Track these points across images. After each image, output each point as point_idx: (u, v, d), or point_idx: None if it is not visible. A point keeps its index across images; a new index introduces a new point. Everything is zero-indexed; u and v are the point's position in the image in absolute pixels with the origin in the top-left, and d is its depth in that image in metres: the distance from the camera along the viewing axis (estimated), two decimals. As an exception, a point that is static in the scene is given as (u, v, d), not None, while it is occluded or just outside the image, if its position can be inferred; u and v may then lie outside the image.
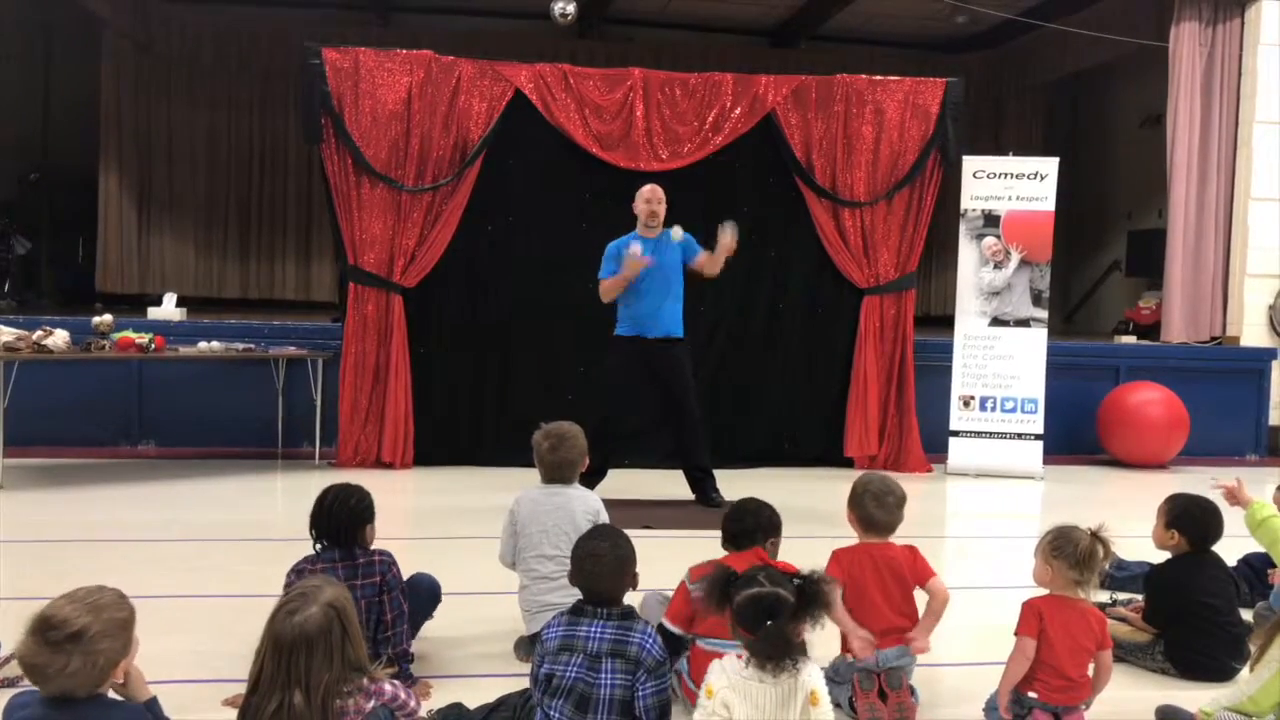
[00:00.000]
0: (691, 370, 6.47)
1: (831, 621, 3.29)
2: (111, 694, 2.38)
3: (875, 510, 3.47)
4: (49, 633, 2.20)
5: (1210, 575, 3.89)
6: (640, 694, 2.72)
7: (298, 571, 3.30)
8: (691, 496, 6.43)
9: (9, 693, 3.28)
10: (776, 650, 2.48)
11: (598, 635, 2.78)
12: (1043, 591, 3.23)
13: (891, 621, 3.37)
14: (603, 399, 6.31)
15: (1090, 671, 3.18)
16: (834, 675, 3.40)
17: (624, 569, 2.90)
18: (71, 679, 2.21)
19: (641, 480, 6.99)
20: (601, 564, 2.87)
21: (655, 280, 6.18)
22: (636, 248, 6.11)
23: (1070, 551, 3.13)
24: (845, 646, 3.40)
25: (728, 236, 6.17)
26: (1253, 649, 3.20)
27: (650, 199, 6.30)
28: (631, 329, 6.27)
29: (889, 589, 3.40)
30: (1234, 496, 3.90)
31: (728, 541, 3.50)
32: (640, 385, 6.35)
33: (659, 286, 6.20)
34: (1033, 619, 3.13)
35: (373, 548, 3.43)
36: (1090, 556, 3.12)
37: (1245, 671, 3.31)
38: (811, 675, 2.53)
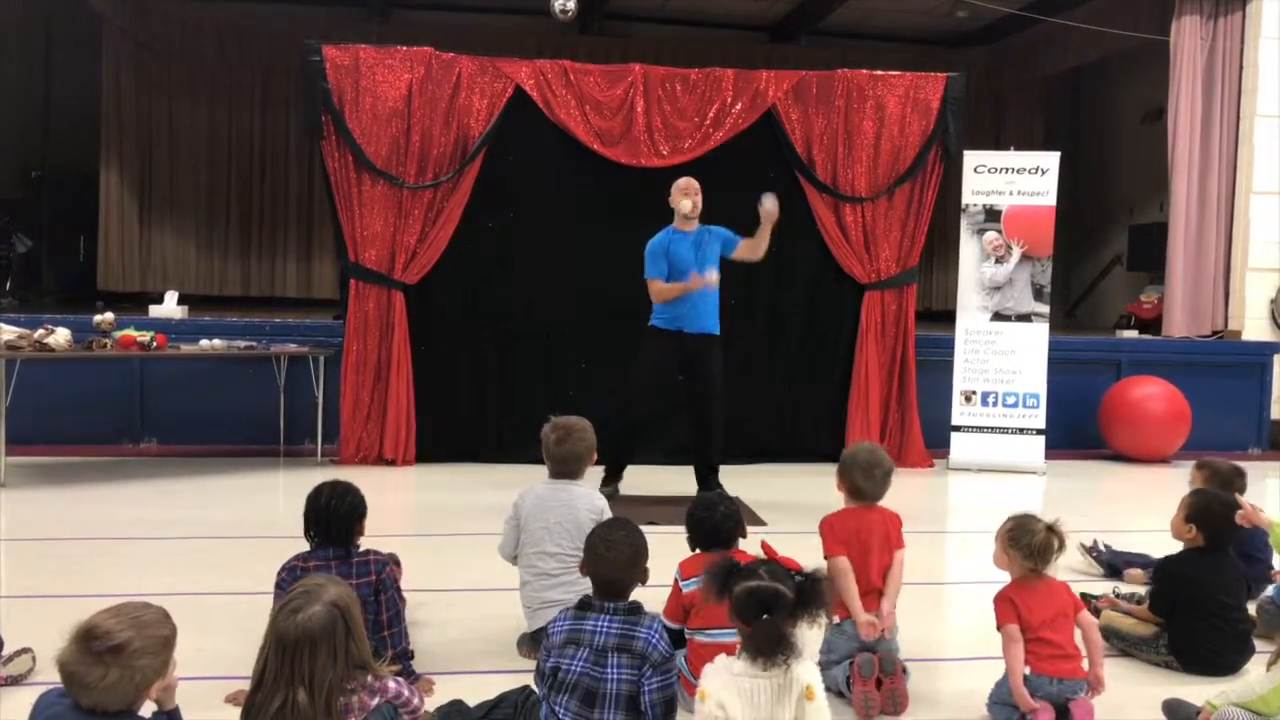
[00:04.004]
0: (723, 368, 6.43)
1: (840, 595, 3.34)
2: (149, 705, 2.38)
3: (863, 482, 3.62)
4: (92, 643, 2.19)
5: (1221, 571, 3.90)
6: (645, 689, 2.71)
7: (290, 569, 3.30)
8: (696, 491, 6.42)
9: (9, 690, 3.29)
10: (769, 645, 2.49)
11: (604, 630, 2.77)
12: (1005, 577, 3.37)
13: (875, 583, 3.50)
14: (628, 386, 6.28)
15: (1081, 645, 3.27)
16: (828, 651, 3.43)
17: (637, 560, 2.90)
18: (107, 693, 2.20)
19: (645, 476, 6.98)
20: (615, 550, 2.87)
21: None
22: (714, 275, 6.09)
23: (1026, 542, 3.27)
24: (835, 610, 3.45)
25: (769, 204, 6.15)
26: (1258, 644, 3.21)
27: (688, 189, 6.26)
28: (670, 323, 6.25)
29: (880, 550, 3.54)
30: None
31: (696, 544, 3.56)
32: (669, 378, 6.34)
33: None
34: (1007, 608, 3.26)
35: (366, 547, 3.43)
36: (1045, 549, 3.25)
37: (1259, 669, 3.31)
38: (806, 671, 2.55)
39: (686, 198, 6.25)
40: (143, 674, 2.23)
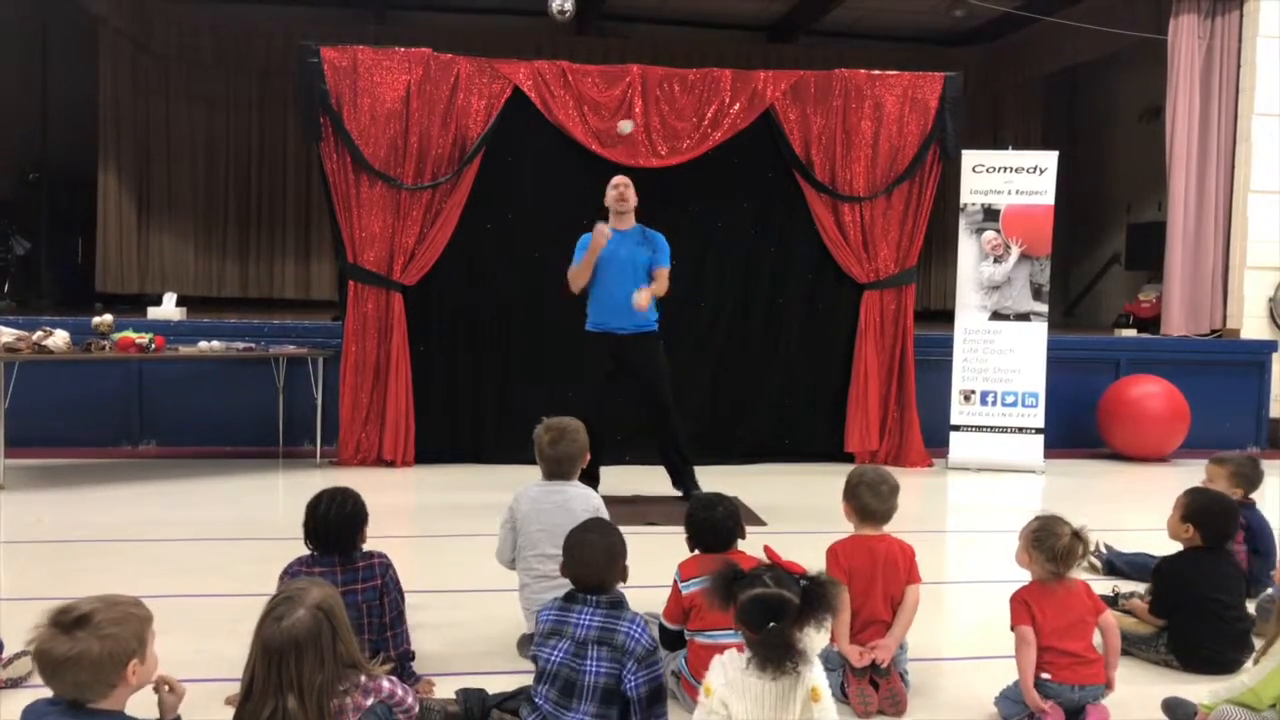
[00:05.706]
0: (665, 360, 6.40)
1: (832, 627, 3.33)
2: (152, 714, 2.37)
3: (871, 500, 3.54)
4: (59, 617, 2.22)
5: (1219, 570, 3.90)
6: (633, 683, 2.73)
7: (292, 574, 3.27)
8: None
9: (10, 693, 3.29)
10: (777, 653, 2.47)
11: (586, 622, 2.80)
12: (1025, 576, 3.34)
13: (880, 614, 3.44)
14: (580, 400, 6.12)
15: (1098, 644, 3.26)
16: (825, 662, 3.42)
17: (614, 560, 2.92)
18: (80, 666, 2.19)
19: (642, 477, 6.98)
20: (590, 553, 2.90)
21: (620, 273, 6.14)
22: (602, 226, 6.09)
23: (1050, 545, 3.25)
24: (835, 636, 3.43)
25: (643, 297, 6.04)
26: (1258, 642, 3.21)
27: (619, 184, 6.29)
28: (600, 324, 6.24)
29: (887, 582, 3.46)
30: None
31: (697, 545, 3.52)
32: (613, 383, 6.27)
33: (625, 279, 6.15)
34: (1022, 610, 3.24)
35: (367, 549, 3.41)
36: (1068, 554, 3.24)
37: (1250, 664, 3.32)
38: (813, 672, 2.53)
39: (615, 190, 6.27)
40: (114, 644, 2.22)
